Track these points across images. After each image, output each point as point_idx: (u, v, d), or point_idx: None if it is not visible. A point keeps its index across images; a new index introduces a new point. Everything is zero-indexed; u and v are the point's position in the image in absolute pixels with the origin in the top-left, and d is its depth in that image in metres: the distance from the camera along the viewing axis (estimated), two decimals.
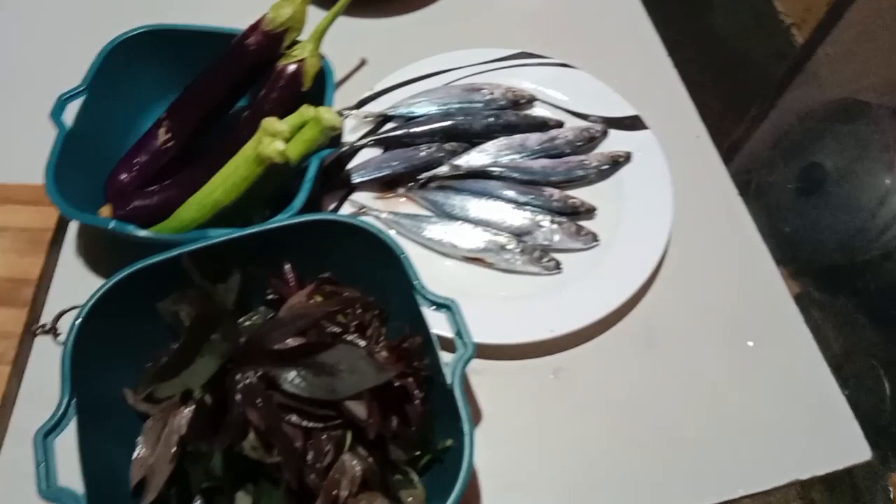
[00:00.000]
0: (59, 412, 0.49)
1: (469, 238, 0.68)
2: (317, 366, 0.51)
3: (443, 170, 0.72)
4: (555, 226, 0.69)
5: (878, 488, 1.30)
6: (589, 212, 0.71)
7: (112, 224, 0.59)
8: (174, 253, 0.54)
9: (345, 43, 0.77)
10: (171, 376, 0.52)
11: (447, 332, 0.52)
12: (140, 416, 0.55)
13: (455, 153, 0.74)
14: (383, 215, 0.70)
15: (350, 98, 0.78)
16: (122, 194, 0.66)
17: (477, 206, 0.70)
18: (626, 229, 0.70)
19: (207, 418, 0.51)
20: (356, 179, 0.71)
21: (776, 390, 0.63)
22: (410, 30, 0.88)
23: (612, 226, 0.70)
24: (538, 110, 0.78)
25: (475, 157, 0.73)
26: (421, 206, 0.72)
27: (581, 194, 0.72)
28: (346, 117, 0.75)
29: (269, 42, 0.65)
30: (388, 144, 0.75)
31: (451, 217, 0.70)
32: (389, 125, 0.76)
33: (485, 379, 0.63)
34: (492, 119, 0.75)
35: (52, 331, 0.64)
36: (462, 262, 0.69)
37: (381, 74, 0.79)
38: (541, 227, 0.69)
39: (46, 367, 0.61)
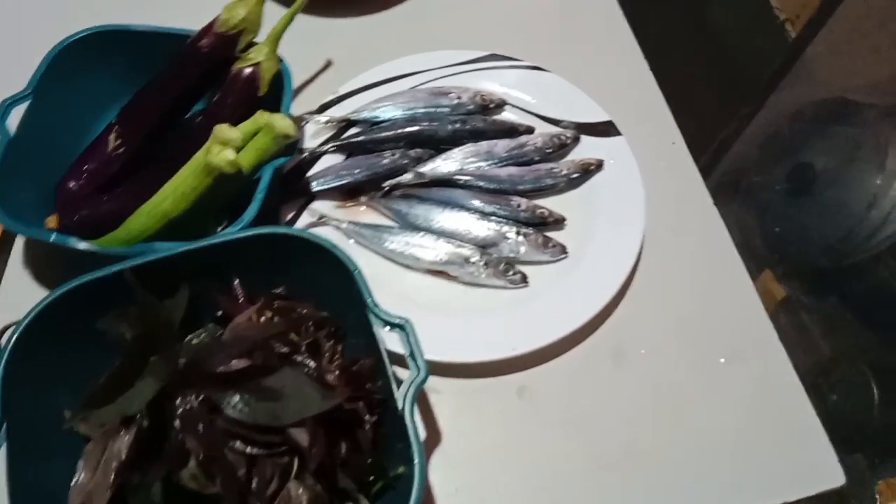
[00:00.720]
0: None
1: (432, 250, 0.65)
2: (261, 389, 0.49)
3: (407, 177, 0.70)
4: (521, 237, 0.66)
5: (866, 496, 1.28)
6: (558, 222, 0.69)
7: (53, 237, 0.57)
8: (117, 267, 0.52)
9: (308, 44, 0.74)
10: (107, 402, 0.49)
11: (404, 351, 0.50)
12: (84, 439, 0.53)
13: (420, 160, 0.71)
14: (343, 225, 0.67)
15: (313, 101, 0.75)
16: (71, 203, 0.64)
17: (441, 217, 0.67)
18: (597, 241, 0.67)
19: (146, 445, 0.49)
20: (316, 188, 0.69)
21: (748, 410, 0.61)
22: (377, 30, 0.85)
23: (581, 237, 0.68)
24: (508, 115, 0.76)
25: (441, 165, 0.71)
26: (383, 216, 0.70)
27: (550, 204, 0.70)
28: (306, 122, 0.73)
29: (223, 44, 0.62)
30: (350, 151, 0.72)
31: (415, 227, 0.67)
32: (352, 130, 0.73)
33: (445, 398, 0.61)
34: (459, 125, 0.72)
35: None
36: (424, 275, 0.66)
37: (345, 77, 0.76)
38: (507, 238, 0.66)
39: None
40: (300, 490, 0.49)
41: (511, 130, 0.74)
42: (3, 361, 0.49)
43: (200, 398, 0.48)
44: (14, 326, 0.50)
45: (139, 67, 0.66)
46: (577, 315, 0.62)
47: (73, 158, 0.65)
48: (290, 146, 0.61)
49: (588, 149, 0.73)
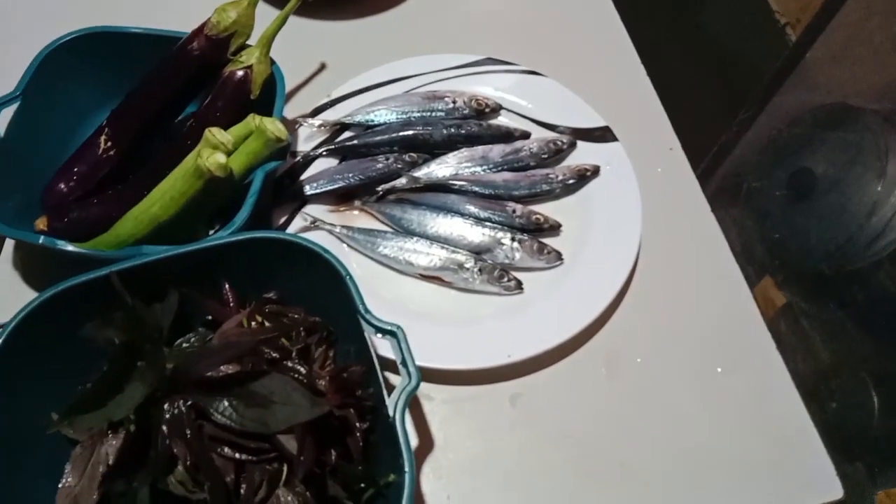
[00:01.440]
0: None
1: (426, 255, 0.65)
2: (249, 395, 0.48)
3: (401, 182, 0.69)
4: (516, 244, 0.65)
5: None
6: (553, 228, 0.68)
7: (41, 239, 0.56)
8: (104, 271, 0.51)
9: (302, 46, 0.74)
10: (93, 407, 0.48)
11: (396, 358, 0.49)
12: (71, 443, 0.52)
13: (414, 164, 0.70)
14: (337, 230, 0.67)
15: (307, 105, 0.74)
16: (60, 206, 0.63)
17: (435, 222, 0.67)
18: (592, 247, 0.67)
19: (133, 450, 0.49)
20: (309, 192, 0.68)
21: (745, 421, 0.60)
22: (372, 33, 0.84)
23: (577, 243, 0.67)
24: (503, 120, 0.75)
25: (435, 169, 0.70)
26: (377, 221, 0.69)
27: (546, 209, 0.69)
28: (300, 125, 0.72)
29: (214, 47, 0.62)
30: (344, 154, 0.72)
31: (409, 232, 0.67)
32: (346, 134, 0.73)
33: (437, 405, 0.60)
34: (454, 129, 0.72)
35: None
36: (418, 281, 0.66)
37: (339, 80, 0.76)
38: (501, 244, 0.66)
39: None
40: (289, 497, 0.48)
41: (506, 135, 0.73)
42: None
43: (188, 403, 0.48)
44: (0, 329, 0.50)
45: (129, 70, 0.65)
46: (573, 323, 0.62)
47: (63, 161, 0.65)
48: (283, 150, 0.60)
49: (584, 154, 0.72)
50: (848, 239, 1.36)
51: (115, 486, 0.47)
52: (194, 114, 0.64)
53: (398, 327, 0.50)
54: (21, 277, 0.65)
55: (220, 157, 0.56)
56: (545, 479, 0.58)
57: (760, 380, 0.62)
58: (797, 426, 0.60)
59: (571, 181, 0.70)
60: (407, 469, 0.45)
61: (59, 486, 0.51)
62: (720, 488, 0.57)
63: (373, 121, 0.72)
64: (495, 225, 0.67)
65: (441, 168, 0.70)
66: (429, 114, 0.73)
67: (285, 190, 0.68)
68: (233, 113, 0.62)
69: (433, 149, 0.72)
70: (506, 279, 0.64)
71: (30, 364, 0.50)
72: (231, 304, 0.56)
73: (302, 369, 0.52)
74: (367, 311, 0.51)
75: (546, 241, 0.67)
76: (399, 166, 0.70)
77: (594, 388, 0.61)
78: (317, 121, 0.72)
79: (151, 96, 0.63)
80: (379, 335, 0.51)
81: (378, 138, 0.71)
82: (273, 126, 0.57)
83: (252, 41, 0.64)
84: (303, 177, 0.69)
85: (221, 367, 0.49)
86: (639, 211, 0.67)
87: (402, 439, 0.46)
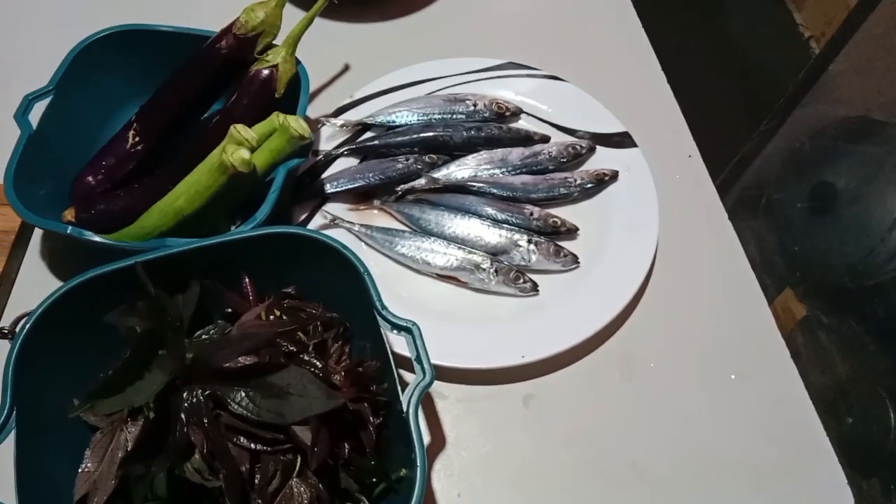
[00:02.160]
0: None
1: (443, 255, 0.65)
2: (266, 387, 0.49)
3: (420, 183, 0.70)
4: (532, 246, 0.66)
5: None
6: (570, 232, 0.68)
7: (69, 230, 0.58)
8: (129, 262, 0.53)
9: (327, 47, 0.75)
10: (114, 392, 0.49)
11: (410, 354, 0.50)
12: (90, 428, 0.53)
13: (434, 166, 0.71)
14: (356, 228, 0.68)
15: (330, 105, 0.76)
16: (88, 197, 0.64)
17: (453, 223, 0.67)
18: (609, 252, 0.67)
19: (152, 437, 0.50)
20: (330, 190, 0.69)
21: (758, 428, 0.60)
22: (395, 36, 0.86)
23: (593, 247, 0.68)
24: (523, 123, 0.76)
25: (454, 171, 0.71)
26: (395, 220, 0.70)
27: (563, 213, 0.70)
28: (322, 125, 0.73)
29: (241, 46, 0.63)
30: (364, 154, 0.73)
31: (426, 232, 0.68)
32: (367, 134, 0.74)
33: (450, 403, 0.61)
34: (474, 131, 0.72)
35: (10, 334, 0.62)
36: (435, 281, 0.66)
37: (362, 81, 0.77)
38: (518, 246, 0.66)
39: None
40: (302, 488, 0.49)
41: (526, 139, 0.74)
42: (16, 350, 0.49)
43: (206, 393, 0.49)
44: (27, 316, 0.51)
45: (159, 66, 0.66)
46: (587, 325, 0.62)
47: (92, 154, 0.66)
48: (305, 148, 0.61)
49: (603, 159, 0.73)
50: (869, 253, 1.34)
51: (133, 469, 0.48)
52: (220, 111, 0.66)
53: (413, 324, 0.51)
54: (48, 267, 0.67)
55: (245, 153, 0.57)
56: (556, 480, 0.58)
57: (774, 388, 0.62)
58: (809, 435, 0.60)
59: (589, 185, 0.70)
60: (419, 464, 0.46)
61: (79, 470, 0.52)
62: (730, 495, 0.57)
63: (394, 122, 0.73)
64: (512, 227, 0.68)
65: (460, 170, 0.71)
66: (449, 116, 0.74)
67: (306, 188, 0.69)
68: (258, 110, 0.63)
69: (453, 150, 0.73)
70: (522, 281, 0.64)
71: (55, 350, 0.51)
72: (250, 298, 0.57)
73: (318, 363, 0.53)
74: (383, 307, 0.52)
75: (563, 244, 0.67)
76: (419, 167, 0.71)
77: (607, 391, 0.62)
78: (339, 120, 0.73)
79: (179, 93, 0.65)
80: (394, 331, 0.51)
81: (399, 139, 0.72)
82: (297, 124, 0.59)
83: (278, 41, 0.65)
84: (324, 175, 0.70)
85: (239, 359, 0.50)
86: (656, 217, 0.68)
87: (415, 434, 0.46)
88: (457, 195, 0.70)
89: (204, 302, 0.56)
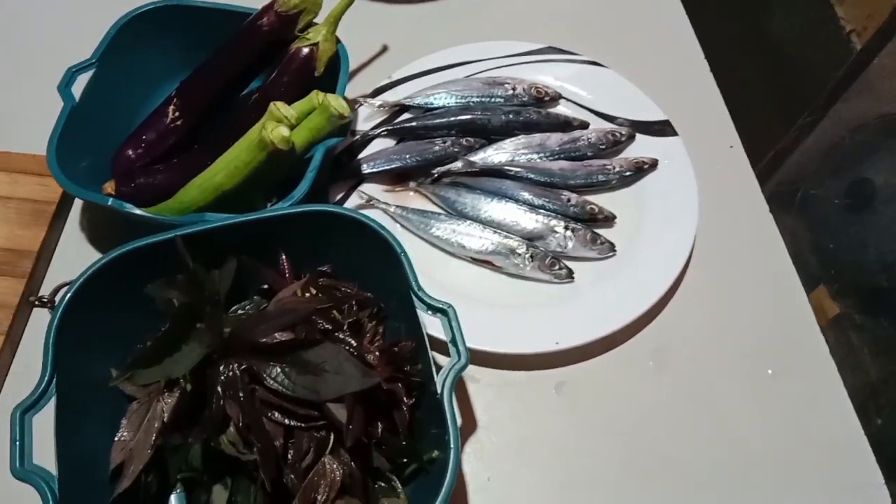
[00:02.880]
0: (40, 389, 0.48)
1: (478, 239, 0.65)
2: (302, 363, 0.49)
3: (457, 165, 0.69)
4: (569, 232, 0.65)
5: None
6: (607, 219, 0.68)
7: (110, 202, 0.58)
8: (169, 235, 0.53)
9: (367, 27, 0.75)
10: (153, 363, 0.50)
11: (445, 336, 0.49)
12: (127, 398, 0.54)
13: (471, 149, 0.71)
14: (391, 209, 0.68)
15: (368, 85, 0.75)
16: (127, 171, 0.65)
17: (489, 207, 0.67)
18: (646, 241, 0.66)
19: (188, 409, 0.50)
20: (366, 170, 0.69)
21: (794, 425, 0.59)
22: (436, 17, 0.85)
23: (630, 236, 0.67)
24: (562, 109, 0.75)
25: (492, 155, 0.70)
26: (431, 202, 0.70)
27: (601, 200, 0.69)
28: (360, 105, 0.73)
29: (283, 23, 0.63)
30: (402, 136, 0.72)
31: (462, 216, 0.67)
32: (405, 116, 0.73)
33: (482, 387, 0.61)
34: (512, 115, 0.72)
35: (50, 303, 0.63)
36: (469, 264, 0.66)
37: (401, 62, 0.77)
38: (555, 232, 0.65)
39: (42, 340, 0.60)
40: (335, 465, 0.49)
41: (565, 124, 0.73)
42: (56, 319, 0.50)
43: (243, 367, 0.49)
44: (68, 286, 0.52)
45: (200, 42, 0.67)
46: (622, 314, 0.61)
47: (133, 127, 0.67)
48: (343, 127, 0.61)
49: (643, 147, 0.72)
50: None
51: (170, 440, 0.49)
52: (260, 88, 0.66)
53: (449, 305, 0.50)
54: (87, 238, 0.68)
55: (284, 131, 0.57)
56: (586, 469, 0.58)
57: (811, 385, 0.61)
58: (846, 435, 0.59)
59: (628, 173, 0.69)
60: (452, 445, 0.46)
61: (116, 438, 0.52)
62: (764, 490, 0.57)
63: (432, 104, 0.73)
64: (549, 213, 0.67)
65: (497, 154, 0.70)
66: (488, 99, 0.73)
67: (343, 167, 0.69)
68: (297, 88, 0.63)
69: (491, 134, 0.72)
70: (557, 267, 0.64)
71: (93, 320, 0.52)
72: (287, 274, 0.57)
73: (353, 342, 0.53)
74: (419, 288, 0.52)
75: (599, 231, 0.67)
76: (456, 150, 0.70)
77: (641, 381, 0.61)
78: (377, 101, 0.73)
79: (220, 69, 0.65)
80: (430, 313, 0.51)
81: (436, 121, 0.72)
82: (336, 103, 0.58)
83: (319, 19, 0.65)
84: (361, 155, 0.70)
85: (276, 334, 0.50)
86: (695, 207, 0.67)
87: (448, 416, 0.46)
88: (493, 179, 0.69)
89: (240, 277, 0.56)
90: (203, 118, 0.66)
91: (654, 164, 0.70)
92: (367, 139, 0.71)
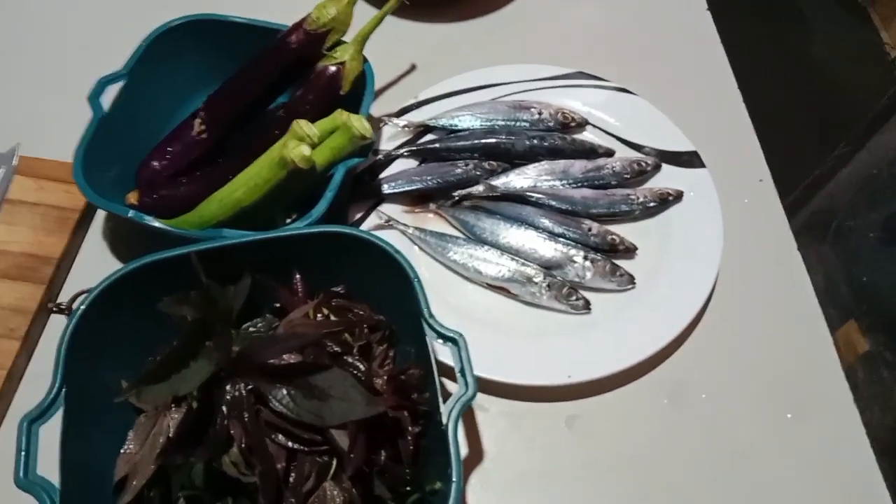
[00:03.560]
0: (48, 399, 0.48)
1: (495, 265, 0.64)
2: (308, 387, 0.49)
3: (478, 189, 0.69)
4: (588, 262, 0.64)
5: None
6: (628, 251, 0.66)
7: (130, 213, 0.59)
8: (185, 250, 0.53)
9: (394, 46, 0.75)
10: (161, 379, 0.50)
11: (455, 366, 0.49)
12: (136, 411, 0.54)
13: (493, 173, 0.70)
14: (410, 231, 0.67)
15: (394, 103, 0.75)
16: (152, 182, 0.66)
17: (508, 233, 0.66)
18: (667, 275, 0.65)
19: (193, 426, 0.50)
20: (387, 190, 0.69)
21: (812, 473, 0.57)
22: (465, 38, 0.85)
23: (651, 269, 0.65)
24: (588, 135, 0.74)
25: (514, 180, 0.70)
26: (450, 226, 0.69)
27: (622, 231, 0.68)
28: (385, 124, 0.73)
29: (311, 42, 0.63)
30: (424, 157, 0.72)
31: (480, 241, 0.67)
32: (429, 137, 0.73)
33: (492, 416, 0.60)
34: (537, 140, 0.71)
35: (68, 310, 0.64)
36: (485, 290, 0.65)
37: (428, 83, 0.76)
38: (573, 262, 0.64)
39: None
40: (336, 491, 0.49)
41: (590, 151, 0.72)
42: (70, 328, 0.50)
43: (249, 388, 0.49)
44: (85, 295, 0.52)
45: (229, 57, 0.67)
46: (638, 349, 0.60)
47: (158, 140, 0.68)
48: (365, 148, 0.61)
49: (668, 178, 0.71)
50: None
51: (173, 458, 0.49)
52: (285, 104, 0.66)
53: (460, 335, 0.50)
54: (108, 247, 0.69)
55: (305, 150, 0.57)
56: None
57: (832, 432, 0.59)
58: (866, 485, 0.57)
59: (652, 204, 0.68)
60: (455, 479, 0.45)
61: (122, 451, 0.53)
62: None
63: (456, 125, 0.72)
64: (569, 241, 0.66)
65: (520, 179, 0.70)
66: (513, 123, 0.73)
67: (364, 186, 0.69)
68: (322, 106, 0.63)
69: (514, 159, 0.71)
70: (574, 297, 0.63)
71: (108, 330, 0.52)
72: (300, 294, 0.57)
73: (361, 366, 0.53)
74: (430, 315, 0.51)
75: (619, 262, 0.65)
76: (478, 173, 0.70)
77: (655, 419, 0.60)
78: (402, 121, 0.73)
79: (247, 84, 0.65)
80: (440, 341, 0.51)
81: (460, 143, 0.71)
82: (359, 123, 0.58)
83: (347, 37, 0.65)
84: (382, 175, 0.70)
85: (284, 356, 0.50)
86: (720, 242, 0.65)
87: (452, 449, 0.46)
88: (514, 204, 0.69)
89: (254, 294, 0.56)
90: (229, 132, 0.67)
91: (679, 196, 0.68)
92: (389, 159, 0.71)
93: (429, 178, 0.69)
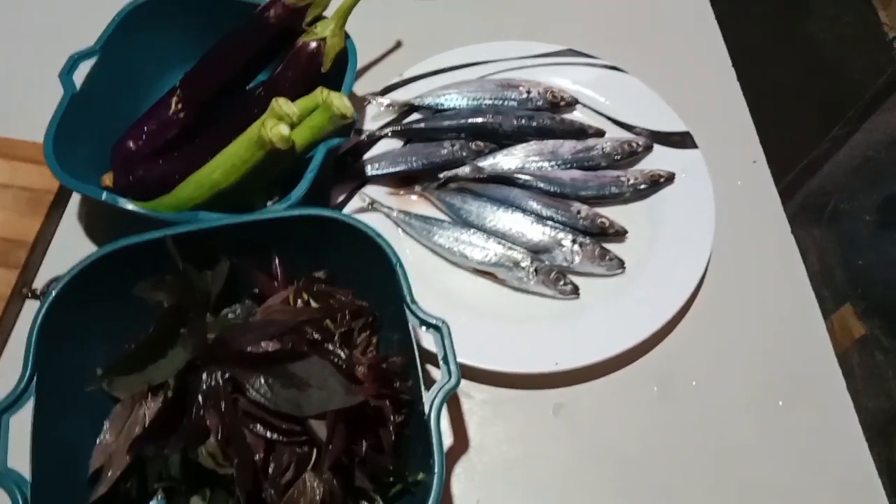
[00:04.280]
0: (19, 389, 0.47)
1: (481, 250, 0.63)
2: (286, 376, 0.47)
3: (464, 170, 0.67)
4: (577, 246, 0.63)
5: None
6: (618, 234, 0.65)
7: (104, 195, 0.57)
8: (160, 234, 0.51)
9: (379, 22, 0.72)
10: (136, 369, 0.49)
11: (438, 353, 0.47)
12: (113, 399, 0.53)
13: (480, 153, 0.68)
14: (394, 213, 0.65)
15: (378, 82, 0.73)
16: (127, 162, 0.64)
17: (495, 216, 0.65)
18: (658, 259, 0.63)
19: (168, 417, 0.49)
20: (371, 172, 0.67)
21: (803, 461, 0.56)
22: (452, 13, 0.82)
23: (641, 253, 0.64)
24: (578, 115, 0.72)
25: (501, 160, 0.68)
26: (435, 208, 0.68)
27: (612, 213, 0.66)
28: (368, 103, 0.71)
29: (290, 16, 0.61)
30: (409, 137, 0.70)
31: (466, 224, 0.65)
32: (414, 116, 0.71)
33: (476, 404, 0.59)
34: (525, 120, 0.69)
35: (43, 296, 0.62)
36: (471, 275, 0.64)
37: (413, 60, 0.74)
38: (562, 245, 0.63)
39: None
40: (315, 483, 0.48)
41: (579, 132, 0.70)
42: (41, 315, 0.49)
43: (226, 376, 0.47)
44: (57, 280, 0.50)
45: (206, 33, 0.65)
46: (628, 336, 0.59)
47: (134, 118, 0.65)
48: (347, 127, 0.59)
49: (660, 159, 0.69)
50: None
51: (146, 450, 0.47)
52: (264, 82, 0.64)
53: (443, 322, 0.48)
54: (84, 229, 0.67)
55: (284, 129, 0.55)
56: (581, 494, 0.55)
57: (824, 419, 0.58)
58: (859, 472, 0.56)
59: (643, 186, 0.66)
60: (437, 470, 0.44)
61: (98, 441, 0.51)
62: None
63: (442, 105, 0.70)
64: (557, 224, 0.64)
65: (507, 159, 0.68)
66: (501, 102, 0.71)
67: (347, 167, 0.67)
68: (302, 84, 0.61)
69: (501, 139, 0.69)
70: (562, 283, 0.61)
71: (82, 316, 0.51)
72: (279, 279, 0.56)
73: (342, 353, 0.51)
74: (413, 301, 0.50)
75: (609, 246, 0.64)
76: (464, 154, 0.68)
77: (643, 407, 0.59)
78: (386, 100, 0.71)
79: (225, 61, 0.63)
80: (423, 328, 0.49)
81: (446, 123, 0.69)
82: (339, 102, 0.56)
83: (328, 13, 0.63)
84: (366, 156, 0.68)
85: (262, 344, 0.49)
86: (711, 224, 0.64)
87: (434, 439, 0.44)
88: (501, 186, 0.67)
89: (233, 279, 0.54)
90: (206, 111, 0.64)
91: (670, 178, 0.67)
92: (373, 139, 0.69)
93: (413, 159, 0.67)
